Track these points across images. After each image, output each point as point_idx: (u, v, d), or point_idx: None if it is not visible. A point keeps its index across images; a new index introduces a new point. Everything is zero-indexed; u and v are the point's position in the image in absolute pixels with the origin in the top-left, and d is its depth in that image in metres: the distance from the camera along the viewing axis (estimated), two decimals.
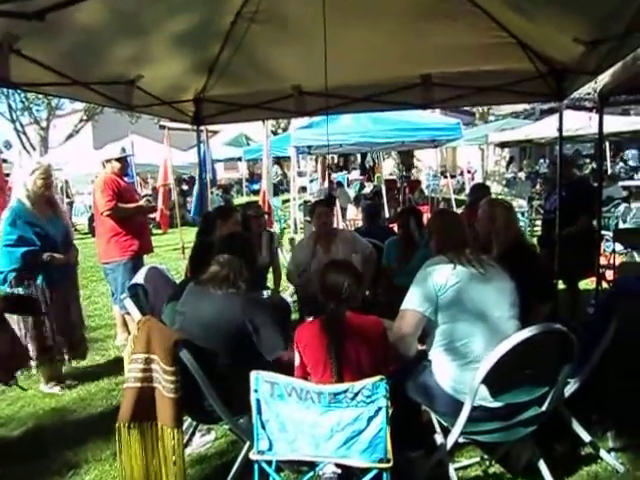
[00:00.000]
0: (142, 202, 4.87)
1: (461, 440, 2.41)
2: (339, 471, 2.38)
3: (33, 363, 3.80)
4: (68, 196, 16.43)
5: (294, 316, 4.46)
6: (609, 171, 14.75)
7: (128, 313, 3.63)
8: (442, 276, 2.40)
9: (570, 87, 4.26)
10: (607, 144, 14.25)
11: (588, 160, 16.86)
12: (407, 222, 4.22)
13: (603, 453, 2.76)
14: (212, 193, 9.69)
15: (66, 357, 3.99)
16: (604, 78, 4.09)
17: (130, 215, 4.70)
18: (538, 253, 3.95)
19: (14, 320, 3.71)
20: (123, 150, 4.86)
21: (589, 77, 3.79)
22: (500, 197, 16.00)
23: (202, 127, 6.23)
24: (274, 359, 2.54)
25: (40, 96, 21.77)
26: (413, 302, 2.44)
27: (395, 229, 5.70)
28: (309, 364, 2.34)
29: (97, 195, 4.62)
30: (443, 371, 2.45)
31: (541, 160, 20.47)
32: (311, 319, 2.65)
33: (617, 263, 5.76)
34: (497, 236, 3.17)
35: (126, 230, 4.65)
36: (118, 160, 4.75)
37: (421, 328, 2.46)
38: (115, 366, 4.29)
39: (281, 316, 2.94)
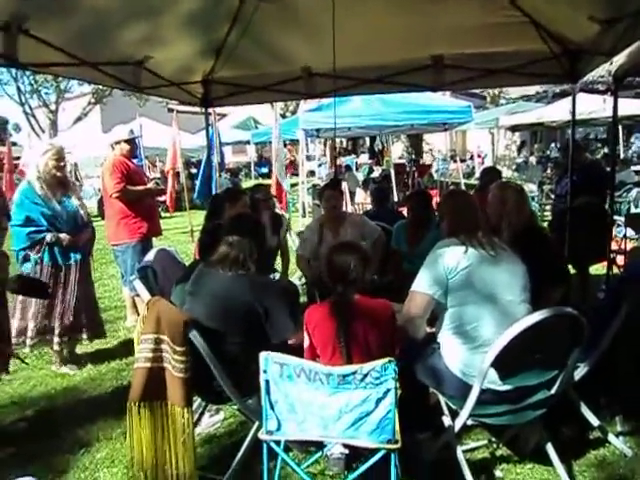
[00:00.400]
0: (151, 185, 4.87)
1: (469, 422, 2.41)
2: (347, 451, 2.40)
3: (29, 342, 3.81)
4: (77, 179, 16.49)
5: (302, 299, 4.46)
6: (622, 155, 14.55)
7: (138, 295, 3.65)
8: (453, 258, 2.38)
9: (584, 68, 4.18)
10: (620, 128, 14.04)
11: (600, 144, 16.64)
12: (416, 205, 4.19)
13: (611, 437, 2.76)
14: (220, 177, 9.66)
15: (58, 340, 3.93)
16: (619, 59, 4.00)
17: (139, 197, 4.71)
18: (550, 236, 3.90)
19: (17, 299, 3.77)
20: (131, 132, 4.85)
21: (604, 58, 3.70)
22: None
23: (210, 110, 6.21)
24: (284, 341, 2.55)
25: (49, 79, 21.79)
26: (423, 284, 2.43)
27: (404, 213, 5.70)
28: (318, 346, 2.35)
29: (106, 177, 4.63)
30: (452, 354, 2.44)
31: (552, 144, 20.21)
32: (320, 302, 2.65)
33: (628, 248, 5.71)
34: (508, 219, 3.13)
35: (135, 212, 4.66)
36: (127, 142, 4.74)
37: (430, 310, 2.46)
38: (125, 347, 4.34)
39: (290, 299, 2.92)
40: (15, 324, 3.74)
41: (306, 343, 2.39)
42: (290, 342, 2.54)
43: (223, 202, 4.02)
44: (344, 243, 2.73)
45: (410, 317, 2.47)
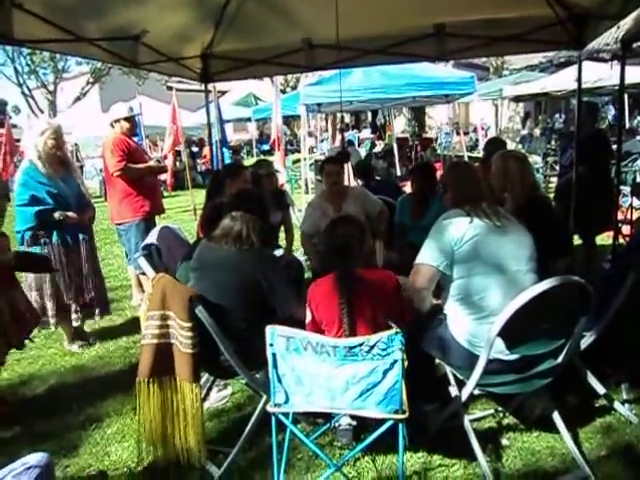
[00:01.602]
0: (152, 163, 4.84)
1: (476, 392, 2.42)
2: (354, 423, 2.43)
3: (52, 320, 3.88)
4: (78, 160, 16.40)
5: (307, 275, 4.46)
6: (627, 125, 14.35)
7: (143, 273, 3.66)
8: (459, 229, 2.36)
9: (591, 34, 4.07)
10: (626, 97, 13.80)
11: (604, 114, 16.38)
12: (420, 178, 4.15)
13: (617, 405, 2.78)
14: (223, 154, 9.61)
15: (75, 316, 4.02)
16: (626, 23, 3.91)
17: (141, 175, 4.68)
18: (554, 206, 3.86)
19: (31, 278, 3.79)
20: (131, 109, 4.79)
21: (611, 22, 3.62)
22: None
23: (210, 87, 6.11)
24: (289, 316, 2.55)
25: (46, 59, 21.56)
26: (428, 256, 2.42)
27: (407, 188, 5.67)
28: (323, 321, 2.36)
29: (107, 156, 4.59)
30: (459, 325, 2.44)
31: (556, 115, 19.95)
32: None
33: (634, 218, 5.67)
34: (512, 189, 3.10)
35: (137, 191, 4.64)
36: (127, 120, 4.69)
37: (435, 282, 2.45)
38: (132, 325, 4.37)
39: (294, 273, 2.92)
40: (36, 305, 3.78)
41: (308, 318, 2.40)
42: (296, 315, 2.54)
43: (224, 178, 3.99)
44: (342, 217, 2.73)
45: (416, 289, 2.46)
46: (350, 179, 6.72)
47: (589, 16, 3.85)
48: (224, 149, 7.41)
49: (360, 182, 5.55)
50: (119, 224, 4.73)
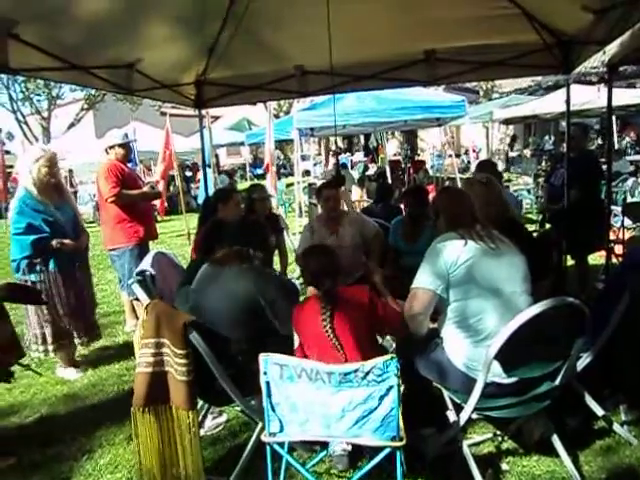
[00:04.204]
0: (146, 188, 4.85)
1: (474, 416, 2.40)
2: (349, 448, 2.40)
3: (51, 347, 3.87)
4: (72, 185, 16.43)
5: (302, 298, 4.44)
6: (616, 146, 14.56)
7: (137, 299, 3.64)
8: (453, 253, 2.36)
9: (578, 59, 4.17)
10: (614, 118, 14.04)
11: (594, 135, 16.63)
12: (413, 201, 4.17)
13: (616, 426, 2.75)
14: (216, 179, 9.67)
15: (79, 341, 4.04)
16: (612, 48, 4.00)
17: (135, 201, 4.68)
18: (526, 229, 3.78)
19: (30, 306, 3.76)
20: (126, 136, 4.82)
21: (597, 47, 3.70)
22: (506, 174, 15.88)
23: (204, 112, 6.17)
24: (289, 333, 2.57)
25: (40, 86, 21.72)
26: (424, 280, 2.41)
27: (401, 208, 5.69)
28: (306, 342, 2.39)
29: (101, 182, 4.59)
30: (456, 348, 2.43)
31: (546, 137, 20.25)
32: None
33: (626, 238, 5.71)
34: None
35: (131, 216, 4.63)
36: (121, 146, 4.71)
37: (433, 306, 2.44)
38: (125, 352, 4.31)
39: (291, 292, 2.95)
40: (37, 332, 3.83)
41: (296, 343, 2.40)
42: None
43: (216, 203, 4.00)
44: (312, 248, 2.86)
45: (413, 314, 2.45)
46: (344, 203, 6.74)
47: (575, 42, 3.94)
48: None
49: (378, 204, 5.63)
50: (112, 249, 4.70)
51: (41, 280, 3.76)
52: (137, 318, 4.50)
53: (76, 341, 4.03)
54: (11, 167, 15.89)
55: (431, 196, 4.61)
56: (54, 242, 3.75)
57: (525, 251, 2.51)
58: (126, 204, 4.60)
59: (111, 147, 4.70)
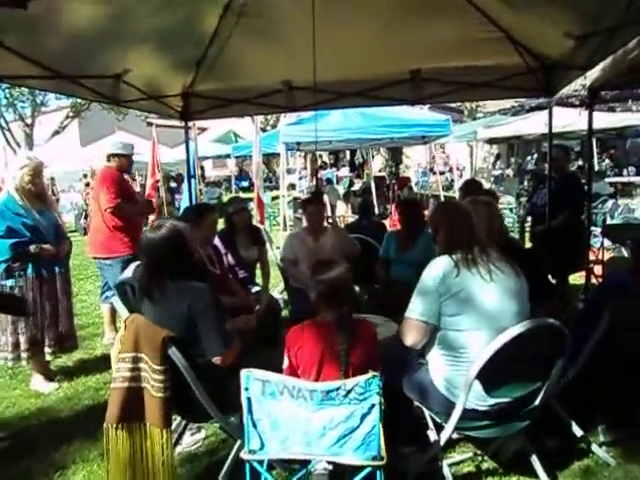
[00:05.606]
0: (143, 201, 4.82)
1: (454, 436, 2.39)
2: (330, 467, 2.36)
3: (24, 355, 3.78)
4: (54, 193, 16.20)
5: (284, 313, 4.42)
6: (596, 168, 14.87)
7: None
8: (445, 283, 2.31)
9: (560, 82, 4.26)
10: (594, 141, 14.34)
11: (574, 157, 16.95)
12: (408, 211, 4.27)
13: (595, 447, 2.76)
14: (201, 191, 9.61)
15: (49, 350, 3.92)
16: (593, 73, 4.09)
17: (132, 214, 4.65)
18: (528, 251, 3.87)
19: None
20: (132, 147, 4.77)
21: (579, 72, 3.78)
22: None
23: (190, 124, 6.16)
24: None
25: (24, 92, 21.46)
26: (417, 310, 2.37)
27: (385, 224, 5.77)
28: (300, 367, 2.27)
29: (102, 189, 4.49)
30: (440, 373, 2.41)
31: (528, 157, 20.58)
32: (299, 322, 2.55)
33: (606, 258, 5.79)
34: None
35: (127, 226, 4.57)
36: (126, 157, 4.67)
37: (428, 335, 2.40)
38: (102, 365, 4.22)
39: (221, 312, 2.54)
40: (10, 339, 3.73)
41: (285, 365, 2.33)
42: (216, 361, 2.41)
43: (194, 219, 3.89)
44: (326, 261, 2.53)
45: (408, 345, 2.44)
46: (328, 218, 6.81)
47: (558, 66, 4.03)
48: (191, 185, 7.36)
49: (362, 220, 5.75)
50: (104, 258, 4.60)
51: (19, 285, 3.68)
52: (116, 331, 4.42)
53: (46, 350, 3.91)
54: None
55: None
56: (32, 247, 3.69)
57: (527, 274, 2.47)
58: (123, 216, 4.55)
59: (114, 155, 4.65)
